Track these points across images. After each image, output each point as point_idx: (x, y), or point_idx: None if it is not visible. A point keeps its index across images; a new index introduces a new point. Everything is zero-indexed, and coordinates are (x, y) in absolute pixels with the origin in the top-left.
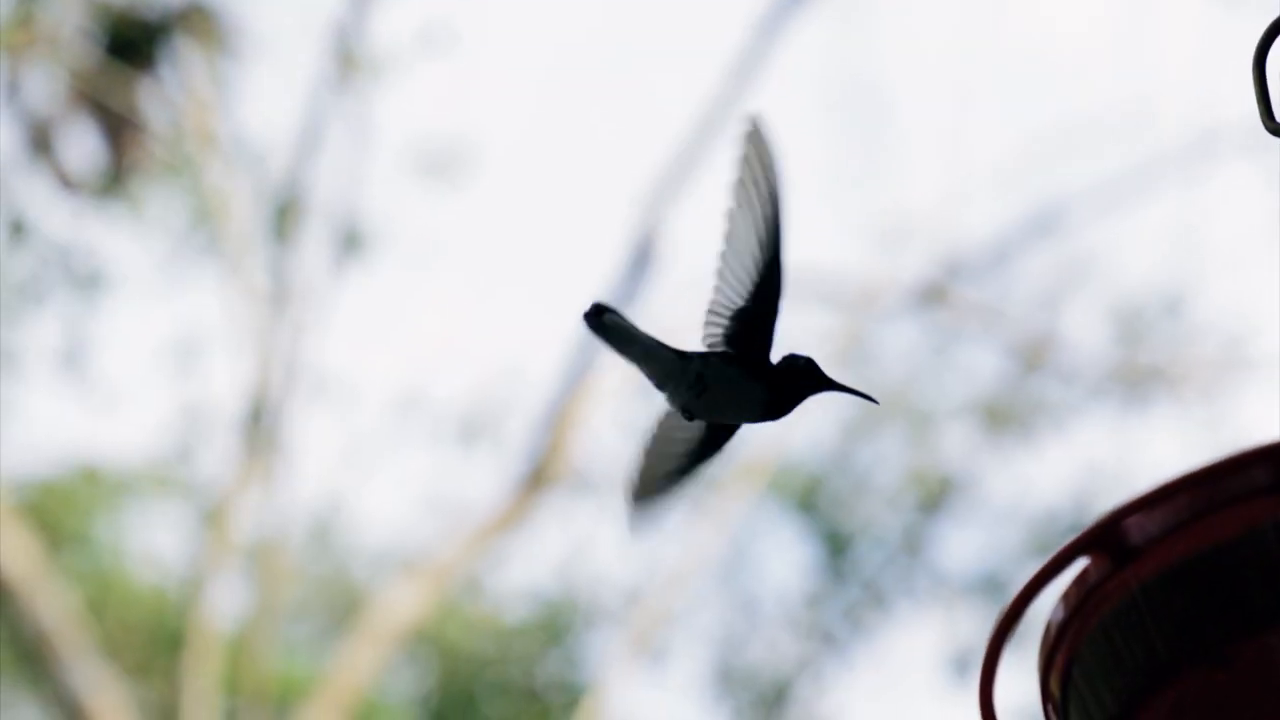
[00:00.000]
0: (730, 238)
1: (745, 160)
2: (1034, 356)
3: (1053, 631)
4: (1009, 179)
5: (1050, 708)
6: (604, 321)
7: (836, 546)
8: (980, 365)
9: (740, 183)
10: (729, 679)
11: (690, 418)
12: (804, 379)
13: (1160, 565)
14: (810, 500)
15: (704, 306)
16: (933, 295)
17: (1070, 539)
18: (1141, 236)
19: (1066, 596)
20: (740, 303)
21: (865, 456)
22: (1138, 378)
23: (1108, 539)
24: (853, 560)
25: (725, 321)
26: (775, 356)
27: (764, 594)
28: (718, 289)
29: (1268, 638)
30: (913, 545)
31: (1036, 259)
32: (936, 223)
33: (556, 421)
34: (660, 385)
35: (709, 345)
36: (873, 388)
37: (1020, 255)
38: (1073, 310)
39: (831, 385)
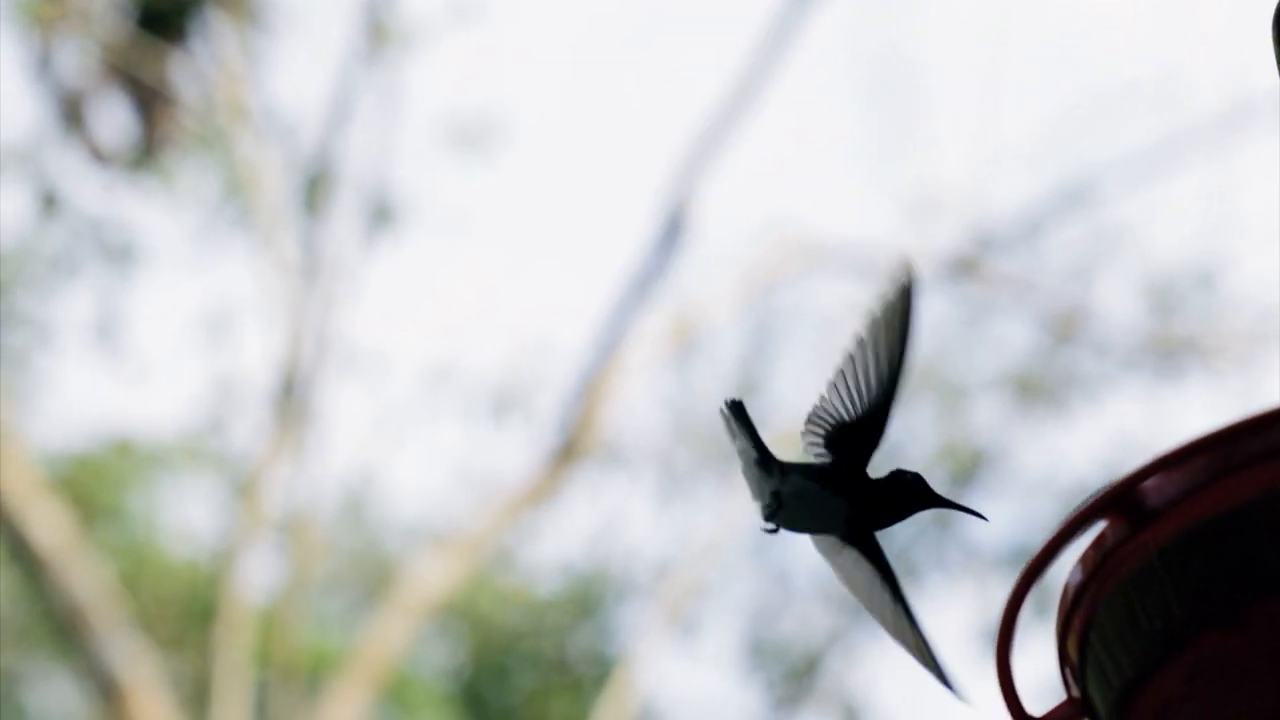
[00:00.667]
0: (850, 361)
1: (888, 304)
2: (1066, 328)
3: (1070, 594)
4: (1040, 151)
5: (1068, 672)
6: (727, 412)
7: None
8: (1012, 337)
9: (876, 322)
10: (760, 652)
11: (773, 530)
12: (909, 494)
13: (1178, 528)
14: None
15: (807, 412)
16: (964, 267)
17: (1088, 501)
18: (1173, 208)
19: (1084, 559)
20: (845, 416)
21: (896, 429)
22: (1170, 349)
23: (1125, 501)
24: (885, 533)
25: (826, 429)
26: (886, 467)
27: (796, 567)
28: (825, 399)
29: None
30: (944, 518)
31: (1068, 231)
32: (968, 195)
33: (587, 394)
34: (754, 495)
35: (807, 449)
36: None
37: (1052, 227)
38: (1105, 282)
39: (939, 502)
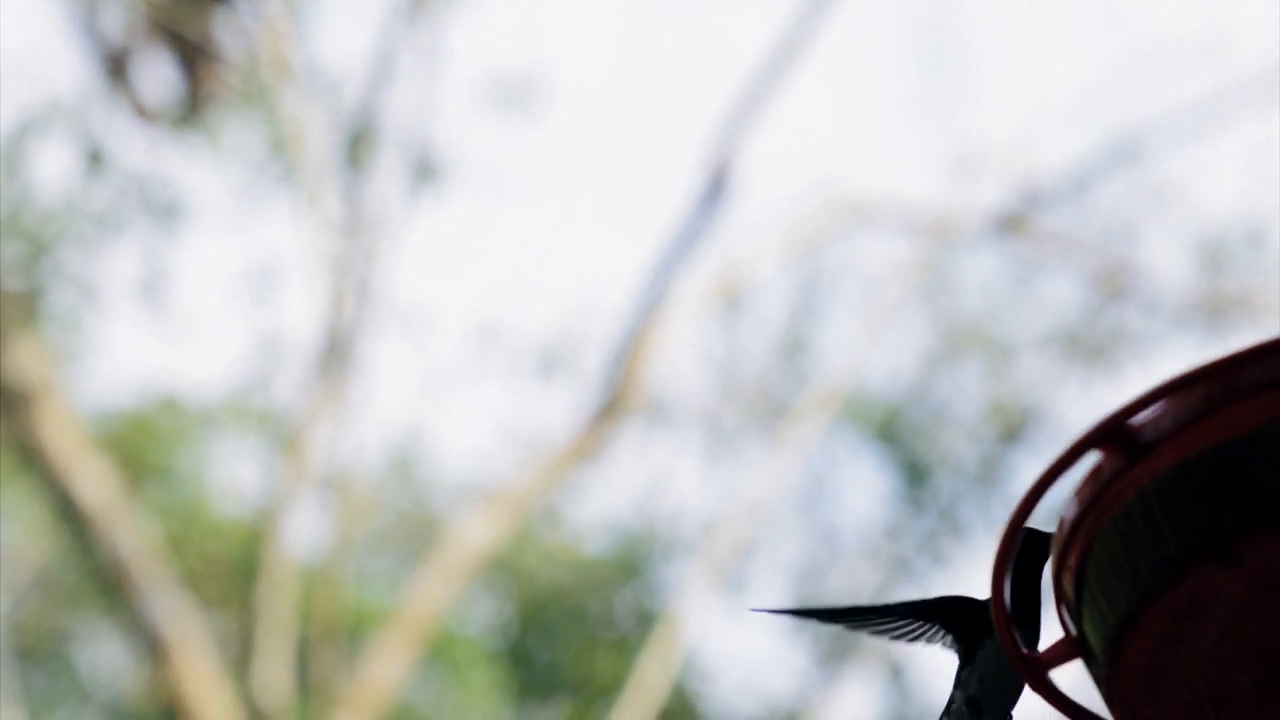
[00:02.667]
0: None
1: None
2: (1114, 286)
3: (1065, 529)
4: (1087, 107)
5: (1064, 610)
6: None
7: (915, 477)
8: (1060, 295)
9: None
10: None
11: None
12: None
13: (1173, 460)
14: (890, 431)
15: None
16: (1012, 224)
17: (1082, 433)
18: (1222, 164)
19: (1079, 493)
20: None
21: (944, 387)
22: (1219, 307)
23: (1119, 433)
24: (931, 490)
25: None
26: None
27: (843, 524)
28: None
29: (1278, 534)
30: (991, 476)
31: (1116, 188)
32: (1015, 152)
33: (631, 350)
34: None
35: None
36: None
37: (1100, 184)
38: (1153, 239)
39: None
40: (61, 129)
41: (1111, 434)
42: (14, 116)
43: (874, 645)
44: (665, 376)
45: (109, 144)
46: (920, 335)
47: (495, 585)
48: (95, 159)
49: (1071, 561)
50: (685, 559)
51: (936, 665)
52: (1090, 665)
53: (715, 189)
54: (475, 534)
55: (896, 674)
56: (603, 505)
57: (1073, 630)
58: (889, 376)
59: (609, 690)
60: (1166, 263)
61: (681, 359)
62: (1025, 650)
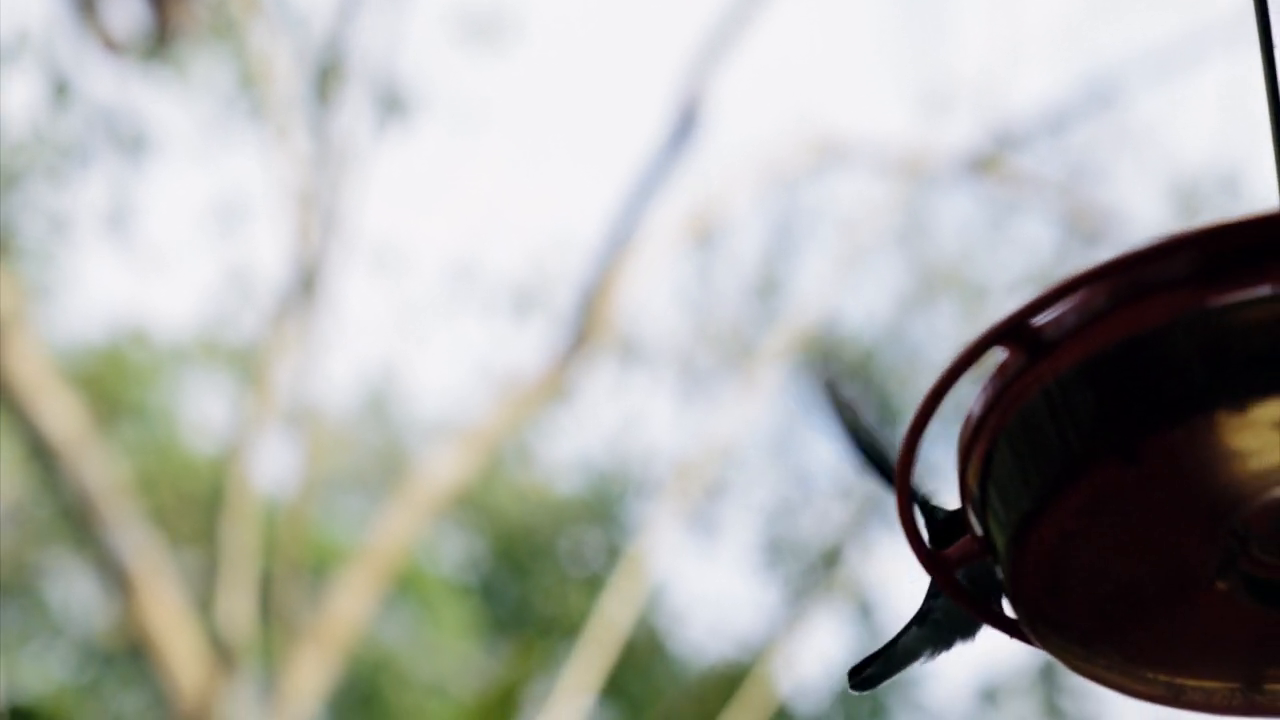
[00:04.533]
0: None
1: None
2: (1088, 228)
3: (970, 426)
4: (1061, 47)
5: (970, 509)
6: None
7: (889, 418)
8: (1034, 237)
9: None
10: (779, 549)
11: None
12: None
13: (1075, 358)
14: (863, 372)
15: None
16: (985, 164)
17: (985, 330)
18: (1196, 106)
19: (984, 390)
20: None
21: (918, 329)
22: None
23: (1022, 331)
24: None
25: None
26: None
27: (815, 466)
28: None
29: (1178, 433)
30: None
31: (1090, 128)
32: (988, 91)
33: (600, 287)
34: None
35: None
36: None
37: (1073, 125)
38: (1127, 181)
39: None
40: (29, 61)
41: (1014, 332)
42: None
43: (847, 585)
44: (638, 315)
45: (77, 77)
46: (894, 276)
47: (467, 523)
48: (62, 91)
49: (976, 460)
50: (657, 498)
51: (909, 603)
52: (995, 564)
53: (686, 124)
54: (442, 470)
55: (866, 613)
56: (576, 444)
57: (978, 529)
58: (863, 317)
59: (579, 628)
60: (1140, 204)
61: (655, 298)
62: (931, 548)
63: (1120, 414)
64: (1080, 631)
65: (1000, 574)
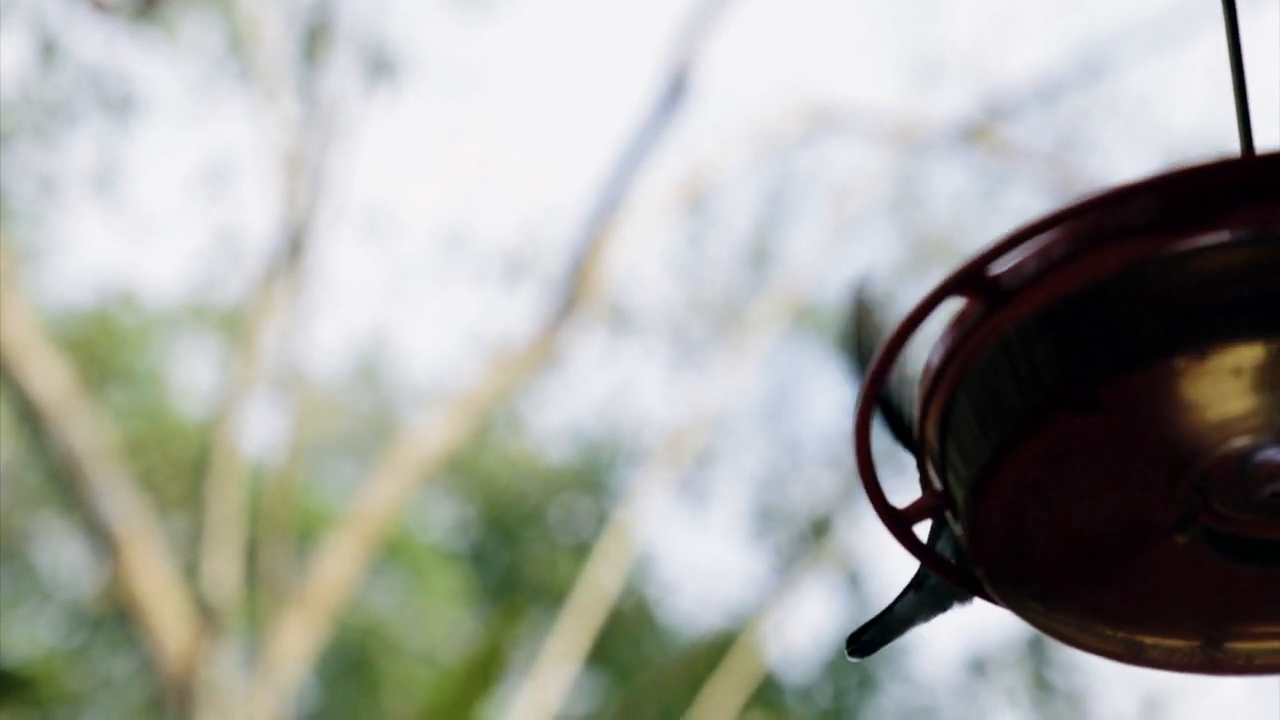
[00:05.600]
0: None
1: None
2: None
3: (929, 377)
4: (1054, 17)
5: (929, 462)
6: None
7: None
8: (1024, 207)
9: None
10: (768, 518)
11: None
12: None
13: (1034, 306)
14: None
15: None
16: (976, 134)
17: (941, 279)
18: (1187, 77)
19: (943, 339)
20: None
21: (909, 299)
22: None
23: (980, 279)
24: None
25: None
26: None
27: (805, 435)
28: None
29: (1137, 380)
30: None
31: (1081, 99)
32: (980, 61)
33: (589, 253)
34: None
35: None
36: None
37: (1065, 95)
38: (1118, 152)
39: None
40: (18, 21)
41: (971, 280)
42: None
43: (836, 554)
44: (628, 282)
45: (65, 37)
46: (885, 245)
47: (457, 490)
48: (49, 51)
49: (935, 411)
50: (646, 466)
51: (898, 573)
52: (955, 519)
53: (677, 90)
54: (431, 435)
55: (855, 582)
56: (566, 411)
57: (937, 483)
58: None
59: (567, 595)
60: (1131, 176)
61: (645, 265)
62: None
63: (1079, 362)
64: (1039, 587)
65: (959, 528)
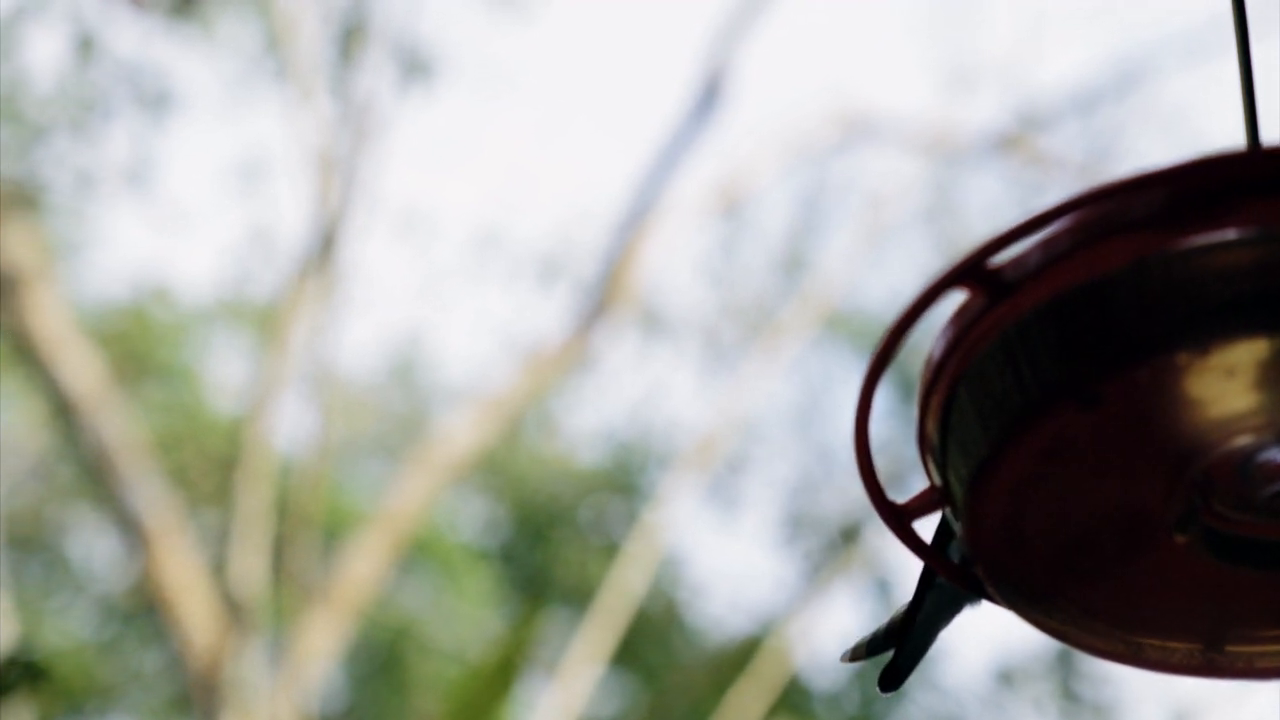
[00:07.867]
0: None
1: None
2: None
3: (929, 371)
4: (1090, 25)
5: (929, 458)
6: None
7: (910, 393)
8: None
9: None
10: (798, 524)
11: None
12: None
13: (1036, 300)
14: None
15: None
16: (1011, 143)
17: (941, 272)
18: (1226, 86)
19: (944, 333)
20: None
21: (942, 307)
22: None
23: (981, 272)
24: None
25: None
26: None
27: (836, 441)
28: None
29: (1139, 376)
30: None
31: (1117, 109)
32: (1015, 69)
33: (621, 256)
34: None
35: None
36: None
37: (1101, 105)
38: (1155, 163)
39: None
40: (55, 15)
41: (972, 272)
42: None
43: (866, 561)
44: (661, 286)
45: (102, 32)
46: (919, 253)
47: (488, 490)
48: (86, 46)
49: (935, 407)
50: (676, 469)
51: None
52: (954, 516)
53: (711, 95)
54: (461, 435)
55: (883, 589)
56: (597, 413)
57: (937, 480)
58: (887, 293)
59: (596, 596)
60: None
61: (678, 269)
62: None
63: (1081, 356)
64: (1038, 585)
65: (958, 526)
